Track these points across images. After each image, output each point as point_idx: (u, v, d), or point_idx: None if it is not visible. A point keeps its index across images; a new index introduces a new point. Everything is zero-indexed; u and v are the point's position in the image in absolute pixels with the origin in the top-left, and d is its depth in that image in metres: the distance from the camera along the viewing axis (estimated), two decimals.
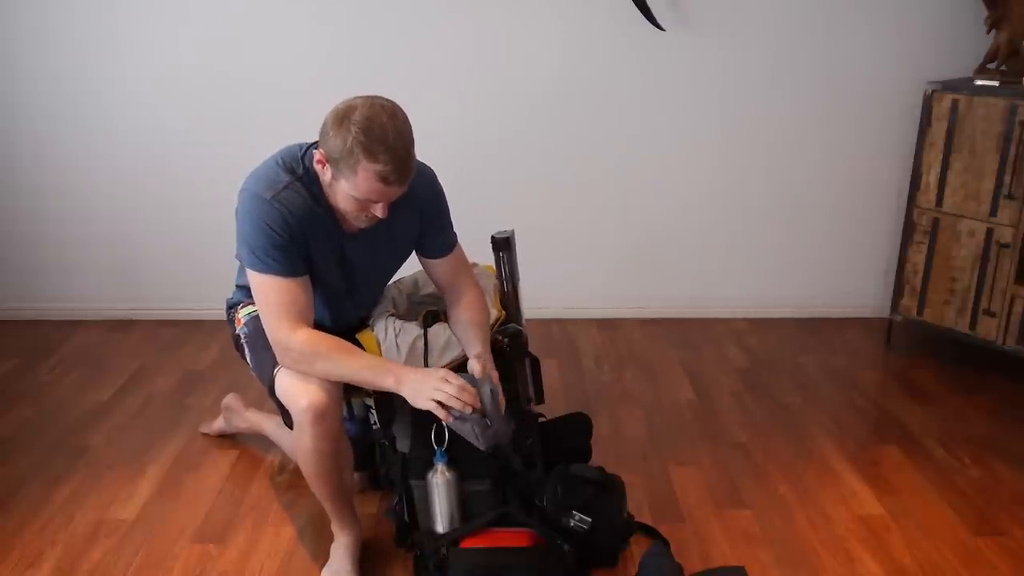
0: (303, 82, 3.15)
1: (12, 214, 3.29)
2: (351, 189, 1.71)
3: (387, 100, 1.73)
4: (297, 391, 1.79)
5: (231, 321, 2.11)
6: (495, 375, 1.89)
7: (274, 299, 1.78)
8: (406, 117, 1.73)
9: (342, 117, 1.68)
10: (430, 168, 1.99)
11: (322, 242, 1.84)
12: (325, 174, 1.76)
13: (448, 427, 1.89)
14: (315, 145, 1.79)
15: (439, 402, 1.73)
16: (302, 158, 1.82)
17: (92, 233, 3.31)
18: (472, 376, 1.86)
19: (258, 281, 1.79)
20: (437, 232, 2.02)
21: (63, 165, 3.23)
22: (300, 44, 3.13)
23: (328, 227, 1.84)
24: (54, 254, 3.33)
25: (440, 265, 2.04)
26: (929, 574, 2.00)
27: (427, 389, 1.74)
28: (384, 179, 1.68)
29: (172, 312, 3.41)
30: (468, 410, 1.74)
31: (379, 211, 1.75)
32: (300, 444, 1.84)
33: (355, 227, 1.86)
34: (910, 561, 2.04)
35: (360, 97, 1.71)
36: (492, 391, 1.83)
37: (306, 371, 1.78)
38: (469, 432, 1.82)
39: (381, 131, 1.65)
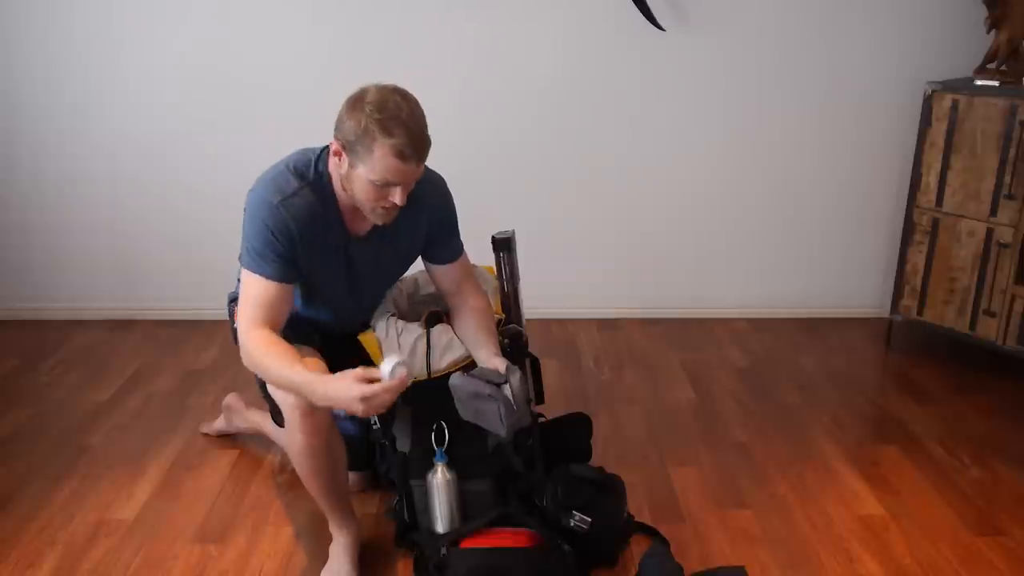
0: (304, 82, 3.15)
1: (12, 214, 3.29)
2: (368, 172, 1.71)
3: (398, 86, 1.75)
4: None
5: (231, 315, 2.11)
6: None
7: (251, 297, 1.79)
8: (418, 101, 1.75)
9: (355, 101, 1.71)
10: (440, 175, 2.00)
11: (327, 245, 1.85)
12: (342, 166, 1.76)
13: (466, 412, 1.90)
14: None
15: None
16: (316, 161, 1.83)
17: (92, 233, 3.31)
18: (494, 370, 1.90)
19: (245, 277, 1.82)
20: (445, 240, 2.02)
21: (63, 165, 3.23)
22: (301, 44, 3.13)
23: (335, 230, 1.85)
24: (55, 254, 3.33)
25: (446, 272, 2.05)
26: (929, 574, 2.00)
27: (358, 408, 1.63)
28: (400, 154, 1.68)
29: (172, 312, 3.41)
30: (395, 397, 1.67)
31: (397, 197, 1.74)
32: (292, 441, 1.85)
33: (365, 228, 1.88)
34: (910, 561, 2.04)
35: (371, 84, 1.74)
36: (522, 379, 1.86)
37: (253, 370, 1.79)
38: (494, 413, 1.83)
39: (395, 108, 1.68)
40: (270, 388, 1.85)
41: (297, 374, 1.71)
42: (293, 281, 1.83)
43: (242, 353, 1.80)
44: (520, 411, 1.85)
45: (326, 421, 1.85)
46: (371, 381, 1.64)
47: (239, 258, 1.89)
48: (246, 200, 1.83)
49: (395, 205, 1.76)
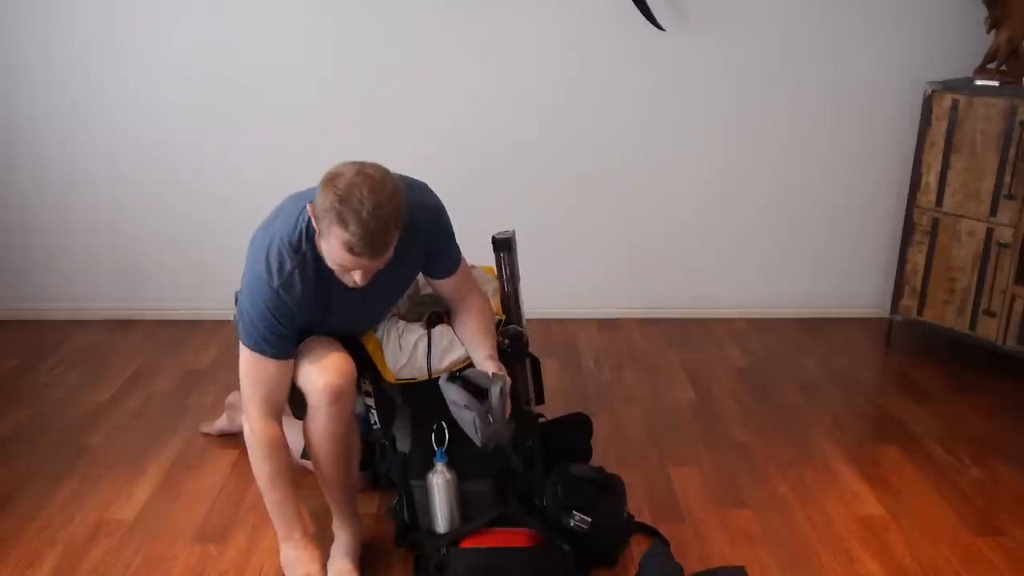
0: (305, 83, 3.15)
1: (12, 214, 3.29)
2: (327, 251, 1.71)
3: (381, 171, 1.69)
4: (314, 373, 1.83)
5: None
6: (508, 381, 1.91)
7: (255, 380, 1.83)
8: (396, 191, 1.67)
9: (330, 179, 1.66)
10: (425, 187, 1.94)
11: (327, 300, 1.86)
12: (316, 227, 1.73)
13: (451, 412, 1.90)
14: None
15: None
16: (307, 227, 1.79)
17: (92, 233, 3.31)
18: (484, 373, 1.89)
19: (245, 354, 1.83)
20: (442, 256, 2.00)
21: (63, 165, 3.23)
22: (303, 47, 3.13)
23: (332, 285, 1.84)
24: (55, 254, 3.33)
25: (446, 283, 2.04)
26: (929, 574, 2.00)
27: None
28: (350, 248, 1.65)
29: (172, 312, 3.41)
30: None
31: (358, 278, 1.73)
32: (314, 427, 1.87)
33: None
34: (910, 561, 2.04)
35: (355, 163, 1.69)
36: (501, 390, 1.85)
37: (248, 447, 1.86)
38: (469, 423, 1.84)
39: (358, 202, 1.62)
40: (297, 375, 1.87)
41: (278, 504, 1.85)
42: (291, 356, 1.86)
43: (247, 438, 1.85)
44: (496, 424, 1.83)
45: (350, 410, 1.89)
46: None
47: (234, 320, 1.89)
48: (246, 263, 1.82)
49: (356, 283, 1.75)
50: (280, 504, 1.87)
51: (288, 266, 1.78)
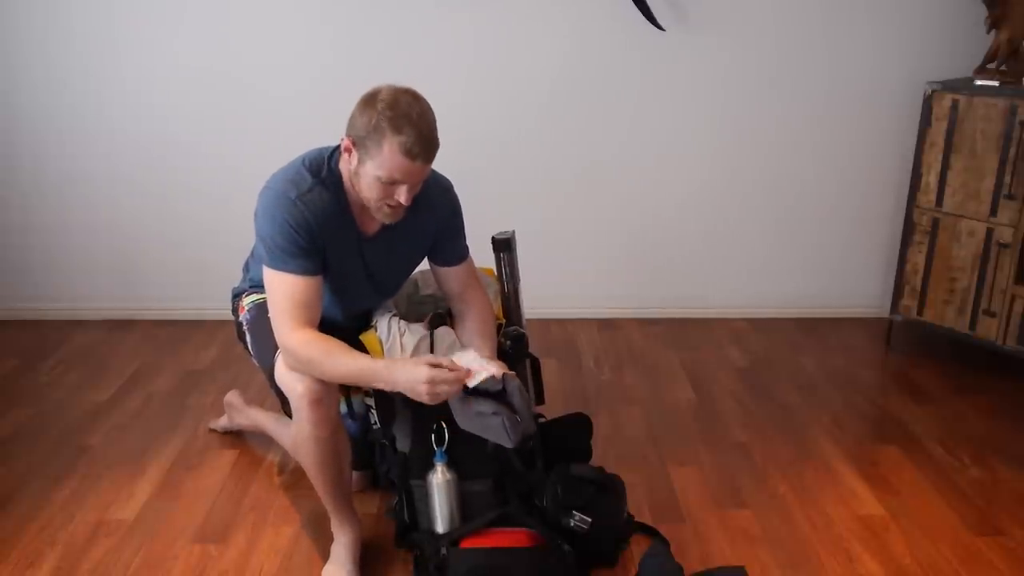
0: (303, 83, 3.15)
1: (12, 214, 3.29)
2: (377, 168, 1.73)
3: (411, 88, 1.78)
4: (294, 377, 1.81)
5: (235, 310, 2.12)
6: (516, 376, 1.91)
7: (284, 297, 1.80)
8: (429, 104, 1.77)
9: (368, 99, 1.74)
10: (448, 179, 2.02)
11: (341, 244, 1.87)
12: (351, 162, 1.78)
13: (469, 426, 1.89)
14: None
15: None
16: (328, 159, 1.85)
17: (92, 233, 3.31)
18: (494, 379, 1.88)
19: (271, 278, 1.81)
20: (451, 241, 2.04)
21: (63, 165, 3.23)
22: (300, 45, 3.13)
23: (348, 227, 1.87)
24: (54, 254, 3.33)
25: (451, 274, 2.06)
26: (929, 574, 2.00)
27: (422, 390, 1.71)
28: (408, 152, 1.70)
29: (172, 312, 3.40)
30: (460, 389, 1.76)
31: (403, 196, 1.76)
32: (299, 431, 1.86)
33: (375, 228, 1.90)
34: (910, 561, 2.04)
35: (384, 84, 1.77)
36: (520, 388, 1.85)
37: (306, 372, 1.79)
38: (498, 428, 1.82)
39: (407, 108, 1.72)
40: (277, 378, 1.86)
41: (358, 362, 1.77)
42: (320, 273, 1.84)
43: (286, 356, 1.80)
44: (524, 421, 1.85)
45: (333, 412, 1.86)
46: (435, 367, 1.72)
47: (252, 258, 1.88)
48: (260, 198, 1.83)
49: (400, 204, 1.78)
50: (363, 368, 1.77)
51: (308, 182, 1.81)
